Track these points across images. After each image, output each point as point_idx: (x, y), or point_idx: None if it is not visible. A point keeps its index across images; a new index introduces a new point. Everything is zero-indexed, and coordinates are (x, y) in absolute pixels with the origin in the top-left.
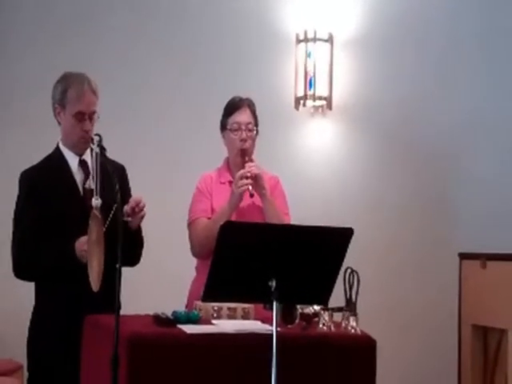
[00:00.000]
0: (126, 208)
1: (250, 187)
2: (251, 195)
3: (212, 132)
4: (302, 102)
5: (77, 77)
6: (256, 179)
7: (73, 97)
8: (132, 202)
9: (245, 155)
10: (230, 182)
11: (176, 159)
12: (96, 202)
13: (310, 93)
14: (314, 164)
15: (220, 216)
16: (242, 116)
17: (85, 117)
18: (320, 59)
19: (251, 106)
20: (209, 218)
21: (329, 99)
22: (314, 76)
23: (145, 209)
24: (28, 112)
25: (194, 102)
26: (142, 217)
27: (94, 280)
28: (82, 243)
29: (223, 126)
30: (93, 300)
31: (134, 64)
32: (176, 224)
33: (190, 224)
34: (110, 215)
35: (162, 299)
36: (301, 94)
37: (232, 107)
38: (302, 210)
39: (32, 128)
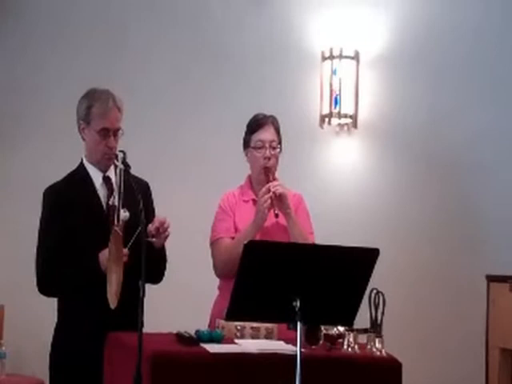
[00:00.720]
0: (150, 228)
1: (276, 209)
2: (276, 215)
3: (236, 150)
4: (327, 119)
5: (101, 93)
6: (281, 198)
7: (97, 113)
8: (156, 222)
9: (268, 173)
10: (254, 201)
11: (201, 177)
12: (124, 214)
13: (335, 111)
14: (338, 182)
15: (244, 235)
16: (266, 134)
17: (109, 133)
18: (346, 76)
19: (275, 123)
20: (232, 238)
21: (354, 117)
22: (340, 93)
23: (169, 229)
24: (46, 122)
25: (218, 119)
26: (166, 237)
27: (112, 296)
28: (104, 256)
29: (246, 144)
30: (116, 317)
31: (154, 76)
32: (199, 242)
33: (213, 243)
34: (135, 234)
35: (184, 318)
36: (326, 111)
37: (256, 124)
38: (326, 228)
39: (51, 138)
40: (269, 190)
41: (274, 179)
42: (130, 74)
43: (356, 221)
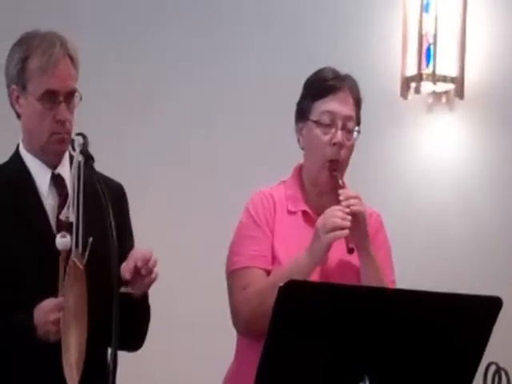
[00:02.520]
0: (125, 270)
1: (351, 242)
2: (350, 251)
3: (277, 123)
4: (413, 85)
5: (43, 37)
6: (356, 221)
7: (37, 68)
8: (136, 260)
9: (335, 172)
10: (306, 214)
11: (208, 170)
12: (63, 240)
13: (427, 71)
14: (431, 183)
15: (291, 273)
16: (341, 105)
17: (58, 98)
18: (445, 15)
19: (354, 90)
20: (267, 271)
21: (459, 81)
22: (435, 43)
23: (155, 269)
24: None
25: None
26: (151, 282)
27: (72, 371)
28: (46, 310)
29: (303, 114)
30: None
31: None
32: (207, 277)
33: (233, 275)
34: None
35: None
36: (412, 72)
37: (324, 86)
38: (410, 262)
39: None
40: (344, 214)
41: (343, 184)
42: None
43: (457, 244)
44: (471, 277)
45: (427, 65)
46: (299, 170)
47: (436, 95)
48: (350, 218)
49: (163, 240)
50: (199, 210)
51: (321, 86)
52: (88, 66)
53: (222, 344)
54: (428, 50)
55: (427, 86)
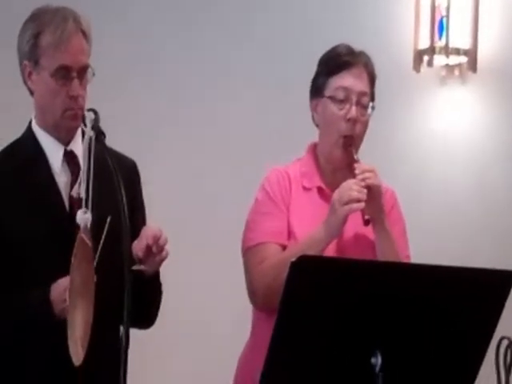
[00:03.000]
0: (137, 248)
1: (367, 214)
2: (366, 222)
3: (285, 102)
4: (426, 58)
5: (55, 12)
6: (372, 194)
7: (50, 44)
8: (145, 237)
9: (350, 147)
10: (321, 190)
11: (222, 148)
12: (84, 216)
13: (439, 44)
14: (444, 160)
15: (307, 246)
16: (356, 80)
17: (71, 74)
18: None
19: (369, 66)
20: (283, 247)
21: (472, 54)
22: (448, 16)
23: (166, 247)
24: None
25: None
26: (162, 260)
27: (76, 348)
28: (63, 288)
29: (318, 91)
30: (82, 381)
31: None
32: (218, 256)
33: (250, 251)
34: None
35: (194, 376)
36: (425, 45)
37: (339, 62)
38: (421, 239)
39: None
40: (359, 186)
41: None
42: None
43: (470, 222)
44: (483, 254)
45: (440, 37)
46: (314, 148)
47: (449, 68)
48: (365, 190)
49: (175, 217)
50: (212, 191)
51: (335, 62)
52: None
53: (239, 321)
54: (441, 22)
55: (440, 59)
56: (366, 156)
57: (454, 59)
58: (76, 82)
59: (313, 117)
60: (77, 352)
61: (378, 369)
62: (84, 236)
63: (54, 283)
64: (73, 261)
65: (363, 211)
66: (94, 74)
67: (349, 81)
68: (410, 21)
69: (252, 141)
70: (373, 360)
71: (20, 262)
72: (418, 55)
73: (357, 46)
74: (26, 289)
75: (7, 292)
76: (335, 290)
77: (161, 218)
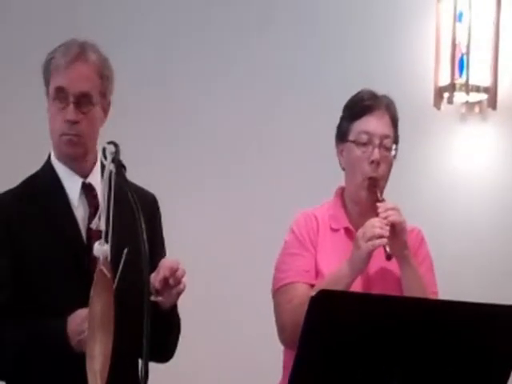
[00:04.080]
0: (154, 281)
1: (388, 247)
2: (388, 257)
3: (319, 144)
4: (446, 95)
5: (68, 41)
6: (395, 231)
7: (54, 67)
8: (164, 269)
9: (375, 188)
10: (348, 231)
11: (249, 188)
12: (101, 248)
13: (460, 81)
14: (465, 195)
15: (333, 283)
16: (377, 123)
17: (69, 98)
18: (479, 23)
19: (391, 109)
20: (311, 286)
21: (492, 92)
22: (468, 53)
23: (184, 279)
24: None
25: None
26: (180, 293)
27: (96, 380)
28: (80, 320)
29: (342, 136)
30: None
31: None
32: (247, 294)
33: (279, 292)
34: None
35: None
36: (445, 82)
37: (361, 107)
38: (443, 271)
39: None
40: (382, 223)
41: (382, 199)
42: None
43: (493, 262)
44: (505, 287)
45: (460, 75)
46: (341, 192)
47: (469, 105)
48: (388, 228)
49: (197, 252)
50: (234, 225)
51: (358, 106)
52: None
53: (270, 358)
54: (461, 59)
55: (460, 96)
56: (389, 190)
57: (474, 96)
58: (71, 107)
59: (340, 161)
60: None
61: None
62: (104, 268)
63: (71, 315)
64: (92, 293)
65: (385, 246)
66: (96, 103)
67: (371, 125)
68: (430, 58)
69: (280, 184)
70: None
71: (37, 293)
72: (439, 92)
73: (378, 84)
74: (42, 320)
75: (23, 322)
76: (354, 324)
77: (181, 252)
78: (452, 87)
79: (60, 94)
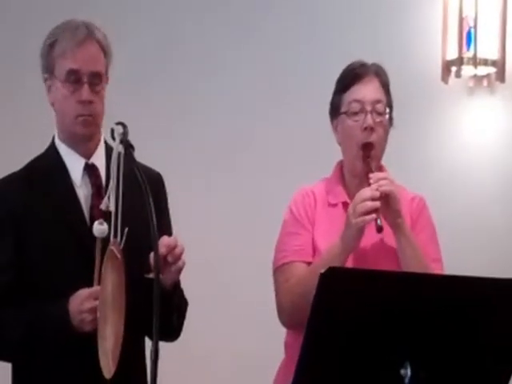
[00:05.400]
0: (151, 259)
1: (379, 220)
2: (379, 229)
3: (312, 122)
4: (454, 69)
5: (68, 22)
6: (388, 200)
7: (61, 51)
8: (161, 247)
9: (369, 155)
10: (346, 205)
11: (251, 163)
12: (100, 227)
13: (467, 55)
14: (472, 169)
15: (327, 261)
16: (367, 90)
17: (82, 79)
18: None
19: (381, 74)
20: (308, 263)
21: (500, 65)
22: (476, 26)
23: (183, 256)
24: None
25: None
26: (179, 270)
27: (108, 361)
28: (81, 299)
29: (335, 109)
30: None
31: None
32: (249, 270)
33: (278, 271)
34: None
35: None
36: (453, 56)
37: (350, 77)
38: (448, 244)
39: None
40: (375, 198)
41: (380, 169)
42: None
43: (495, 229)
44: (509, 261)
45: (468, 48)
46: (340, 166)
47: (477, 79)
48: (378, 203)
49: (202, 230)
50: (240, 206)
51: (347, 77)
52: None
53: (273, 339)
54: (469, 33)
55: (468, 70)
56: (396, 164)
57: (482, 70)
58: (86, 87)
59: (336, 137)
60: (108, 365)
61: (407, 380)
62: (114, 249)
63: (72, 295)
64: (103, 274)
65: (376, 219)
66: (107, 83)
67: (361, 92)
68: (438, 32)
69: (280, 160)
70: (402, 371)
71: (41, 274)
72: (446, 66)
73: (385, 59)
74: (44, 301)
75: (25, 303)
76: (364, 302)
77: (186, 228)
78: (460, 61)
79: (72, 77)
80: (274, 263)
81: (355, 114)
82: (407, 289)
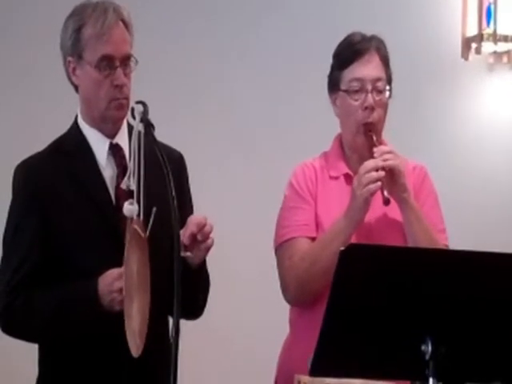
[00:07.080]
0: (182, 237)
1: (385, 192)
2: (386, 202)
3: (319, 95)
4: (474, 46)
5: (95, 5)
6: (392, 175)
7: (92, 35)
8: (192, 225)
9: (371, 133)
10: (347, 177)
11: (264, 144)
12: (130, 207)
13: (487, 31)
14: (490, 149)
15: (332, 235)
16: (367, 68)
17: (115, 63)
18: None
19: (381, 49)
20: (312, 239)
21: None
22: (495, 2)
23: (212, 235)
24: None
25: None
26: (208, 248)
27: (135, 339)
28: (111, 279)
29: (334, 86)
30: (132, 373)
31: None
32: (260, 248)
33: (281, 248)
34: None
35: (236, 370)
36: (472, 32)
37: (350, 52)
38: (462, 223)
39: (30, 91)
40: (378, 169)
41: (381, 143)
42: None
43: (510, 205)
44: None
45: (488, 24)
46: (340, 139)
47: (497, 55)
48: (383, 173)
49: (222, 209)
50: (255, 182)
51: (346, 52)
52: None
53: (279, 315)
54: (488, 9)
55: (488, 46)
56: (417, 141)
57: (502, 46)
58: (120, 71)
59: (334, 110)
60: (135, 343)
61: (428, 356)
62: (137, 227)
63: (101, 275)
64: (126, 253)
65: (382, 191)
66: (137, 62)
67: (361, 71)
68: (457, 8)
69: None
70: (423, 347)
71: (67, 254)
72: (466, 43)
73: (405, 36)
74: (73, 281)
75: (53, 284)
76: (384, 278)
77: (208, 208)
78: (480, 37)
79: (104, 62)
80: (275, 240)
81: (356, 92)
82: (428, 264)
